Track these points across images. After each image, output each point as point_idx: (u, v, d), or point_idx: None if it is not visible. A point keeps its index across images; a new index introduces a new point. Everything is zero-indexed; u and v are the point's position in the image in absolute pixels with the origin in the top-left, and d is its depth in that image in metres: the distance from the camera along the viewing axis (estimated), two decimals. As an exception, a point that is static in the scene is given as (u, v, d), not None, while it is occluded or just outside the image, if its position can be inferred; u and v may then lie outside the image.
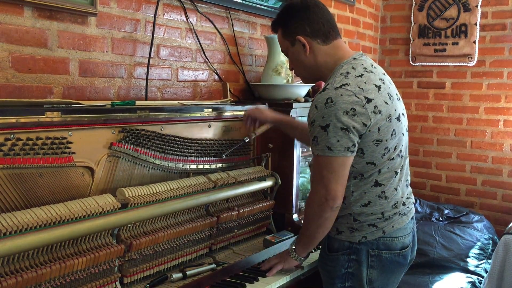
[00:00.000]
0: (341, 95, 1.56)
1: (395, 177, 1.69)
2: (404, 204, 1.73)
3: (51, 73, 1.76)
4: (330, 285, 1.76)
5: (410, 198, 1.79)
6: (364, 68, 1.66)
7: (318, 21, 1.71)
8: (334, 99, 1.55)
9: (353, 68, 1.65)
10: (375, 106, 1.59)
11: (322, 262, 1.79)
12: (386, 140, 1.63)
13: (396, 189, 1.70)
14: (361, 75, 1.62)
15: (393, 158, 1.67)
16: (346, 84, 1.58)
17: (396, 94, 1.73)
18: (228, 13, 2.50)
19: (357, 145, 1.59)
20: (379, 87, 1.63)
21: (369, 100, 1.58)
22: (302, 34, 1.73)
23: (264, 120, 2.09)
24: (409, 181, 1.81)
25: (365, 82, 1.61)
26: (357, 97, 1.56)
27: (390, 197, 1.68)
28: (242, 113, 2.13)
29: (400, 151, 1.70)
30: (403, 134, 1.71)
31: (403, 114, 1.74)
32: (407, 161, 1.78)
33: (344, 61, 1.69)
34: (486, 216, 3.56)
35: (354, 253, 1.69)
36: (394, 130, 1.65)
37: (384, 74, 1.74)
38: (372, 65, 1.71)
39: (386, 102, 1.63)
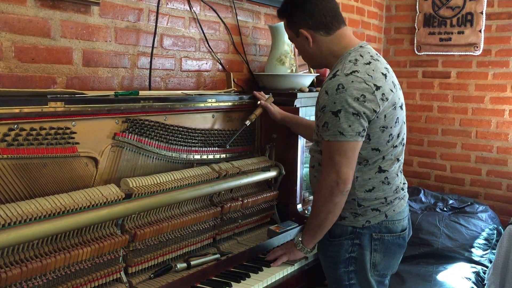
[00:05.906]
0: (352, 81, 1.60)
1: (397, 163, 1.75)
2: (402, 189, 1.80)
3: (54, 63, 1.75)
4: (333, 270, 1.78)
5: (405, 183, 1.87)
6: (371, 56, 1.71)
7: (320, 13, 1.73)
8: (345, 85, 1.59)
9: (360, 55, 1.68)
10: (383, 94, 1.63)
11: (323, 248, 1.81)
12: (391, 127, 1.67)
13: (397, 174, 1.76)
14: (369, 63, 1.67)
15: (396, 146, 1.72)
16: (356, 71, 1.62)
17: (397, 84, 1.78)
18: (231, 2, 2.48)
19: (366, 130, 1.62)
20: (385, 75, 1.68)
21: (377, 88, 1.62)
22: (304, 27, 1.75)
23: (273, 117, 2.13)
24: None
25: (373, 70, 1.65)
26: (367, 84, 1.60)
27: (392, 183, 1.74)
28: (245, 102, 2.13)
29: (402, 139, 1.77)
30: (404, 123, 1.77)
31: (403, 104, 1.79)
32: (404, 149, 1.86)
33: (351, 49, 1.72)
34: (491, 206, 3.54)
35: (357, 237, 1.73)
36: (397, 118, 1.70)
37: (386, 63, 1.78)
38: (376, 54, 1.76)
39: (391, 90, 1.68)
